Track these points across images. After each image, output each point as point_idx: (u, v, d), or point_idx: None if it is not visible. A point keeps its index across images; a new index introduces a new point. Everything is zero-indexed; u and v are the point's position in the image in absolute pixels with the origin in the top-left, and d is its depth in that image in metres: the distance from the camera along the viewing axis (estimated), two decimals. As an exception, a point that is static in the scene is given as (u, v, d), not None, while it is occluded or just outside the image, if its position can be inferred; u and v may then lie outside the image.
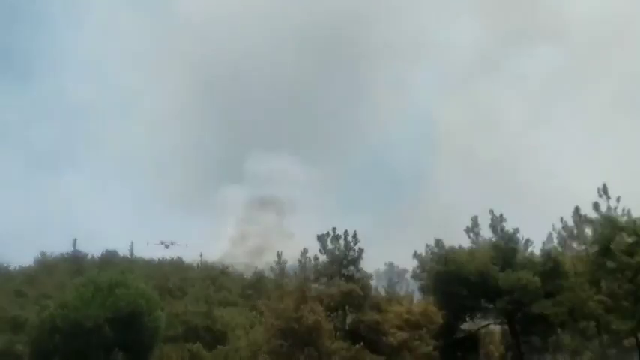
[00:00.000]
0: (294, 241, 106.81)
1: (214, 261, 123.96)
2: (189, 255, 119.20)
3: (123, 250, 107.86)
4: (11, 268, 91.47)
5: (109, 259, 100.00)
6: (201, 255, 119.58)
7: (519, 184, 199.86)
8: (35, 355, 53.55)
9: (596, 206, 54.35)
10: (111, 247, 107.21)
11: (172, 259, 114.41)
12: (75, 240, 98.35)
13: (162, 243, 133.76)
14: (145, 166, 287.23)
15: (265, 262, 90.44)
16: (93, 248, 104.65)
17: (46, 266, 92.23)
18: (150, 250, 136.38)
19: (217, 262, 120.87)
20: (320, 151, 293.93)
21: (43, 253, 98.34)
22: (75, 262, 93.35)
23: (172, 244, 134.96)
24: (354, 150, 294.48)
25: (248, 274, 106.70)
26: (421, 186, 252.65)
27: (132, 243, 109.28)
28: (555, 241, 61.16)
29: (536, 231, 60.37)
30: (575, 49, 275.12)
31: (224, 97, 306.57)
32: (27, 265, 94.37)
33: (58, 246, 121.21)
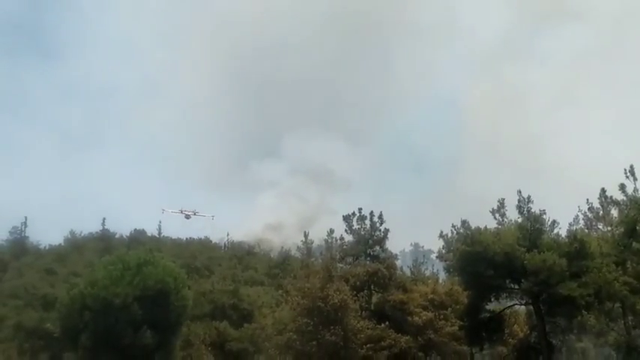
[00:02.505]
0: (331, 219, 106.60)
1: (248, 236, 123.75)
2: (217, 232, 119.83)
3: (151, 230, 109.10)
4: (41, 246, 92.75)
5: (137, 238, 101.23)
6: (228, 234, 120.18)
7: (545, 166, 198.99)
8: (65, 332, 54.34)
9: (622, 187, 54.05)
10: (139, 226, 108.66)
11: (200, 238, 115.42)
12: (104, 219, 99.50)
13: (181, 212, 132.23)
14: (174, 146, 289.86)
15: (292, 242, 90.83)
16: (121, 227, 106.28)
17: (76, 245, 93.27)
18: (170, 221, 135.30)
19: (247, 240, 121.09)
20: (351, 133, 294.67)
21: (72, 232, 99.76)
22: (104, 241, 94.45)
23: (195, 214, 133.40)
24: (382, 133, 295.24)
25: (275, 254, 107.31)
26: (447, 168, 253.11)
27: (160, 222, 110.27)
28: (581, 222, 60.59)
29: (563, 212, 59.92)
30: (600, 28, 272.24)
31: (254, 79, 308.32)
32: (57, 243, 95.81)
33: (87, 225, 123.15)
